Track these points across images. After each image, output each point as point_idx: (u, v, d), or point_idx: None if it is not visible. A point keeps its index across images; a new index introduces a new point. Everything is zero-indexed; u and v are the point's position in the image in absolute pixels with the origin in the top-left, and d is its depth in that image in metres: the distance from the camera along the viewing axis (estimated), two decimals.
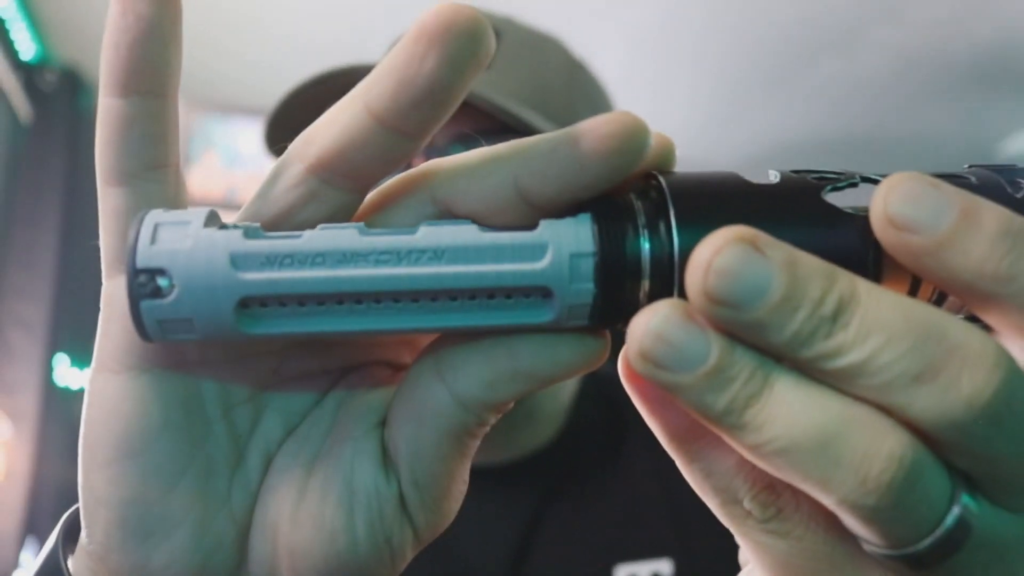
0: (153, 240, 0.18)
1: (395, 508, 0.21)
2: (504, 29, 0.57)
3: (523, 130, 0.52)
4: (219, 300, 0.17)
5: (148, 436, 0.20)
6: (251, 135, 1.94)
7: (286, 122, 0.55)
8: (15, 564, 1.48)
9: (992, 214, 0.16)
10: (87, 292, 1.80)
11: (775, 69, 1.86)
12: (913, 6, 1.62)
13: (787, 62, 1.83)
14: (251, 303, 0.18)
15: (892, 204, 0.16)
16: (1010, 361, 0.15)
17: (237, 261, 0.17)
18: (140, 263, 0.17)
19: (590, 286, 0.18)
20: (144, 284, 0.17)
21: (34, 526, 1.52)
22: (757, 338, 0.16)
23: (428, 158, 0.56)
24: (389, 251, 0.18)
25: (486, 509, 0.56)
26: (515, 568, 0.53)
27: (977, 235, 0.16)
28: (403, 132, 0.18)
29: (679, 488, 0.58)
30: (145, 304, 0.17)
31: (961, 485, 0.16)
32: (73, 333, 1.67)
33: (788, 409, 0.16)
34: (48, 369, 1.60)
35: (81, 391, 0.21)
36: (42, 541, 0.24)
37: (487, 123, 0.53)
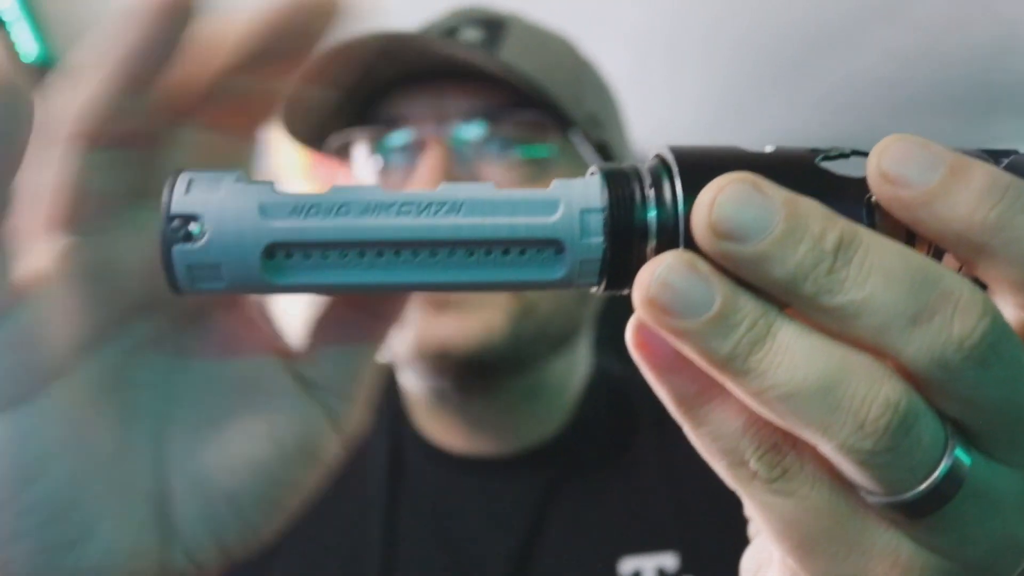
0: (187, 191, 0.19)
1: (319, 425, 0.23)
2: (512, 21, 0.57)
3: (539, 101, 0.52)
4: (247, 246, 0.18)
5: (41, 463, 0.20)
6: None
7: (303, 103, 0.55)
8: None
9: (980, 169, 0.17)
10: None
11: (778, 70, 1.86)
12: (914, 7, 1.62)
13: (790, 63, 1.83)
14: (277, 252, 0.19)
15: (886, 161, 0.17)
16: (996, 310, 0.16)
17: (266, 209, 0.18)
18: (175, 209, 0.18)
19: (600, 240, 0.19)
20: (176, 229, 0.18)
21: None
22: (760, 274, 0.17)
23: (440, 134, 0.55)
24: (410, 203, 0.19)
25: (492, 499, 0.56)
26: (521, 559, 0.53)
27: (966, 188, 0.17)
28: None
29: (685, 483, 0.59)
30: (177, 249, 0.18)
31: (955, 438, 0.17)
32: None
33: (792, 355, 0.17)
34: None
35: None
36: None
37: (501, 97, 0.53)
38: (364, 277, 0.19)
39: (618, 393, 0.63)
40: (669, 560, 0.53)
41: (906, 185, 0.17)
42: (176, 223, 0.18)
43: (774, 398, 0.17)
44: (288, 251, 0.19)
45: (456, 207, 0.19)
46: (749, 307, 0.17)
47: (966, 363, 0.16)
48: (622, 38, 1.73)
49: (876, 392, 0.16)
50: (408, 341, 0.53)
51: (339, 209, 0.18)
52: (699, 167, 0.18)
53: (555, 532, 0.55)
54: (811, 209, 0.17)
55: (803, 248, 0.17)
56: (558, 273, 0.19)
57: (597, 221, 0.19)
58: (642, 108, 1.95)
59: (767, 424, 0.18)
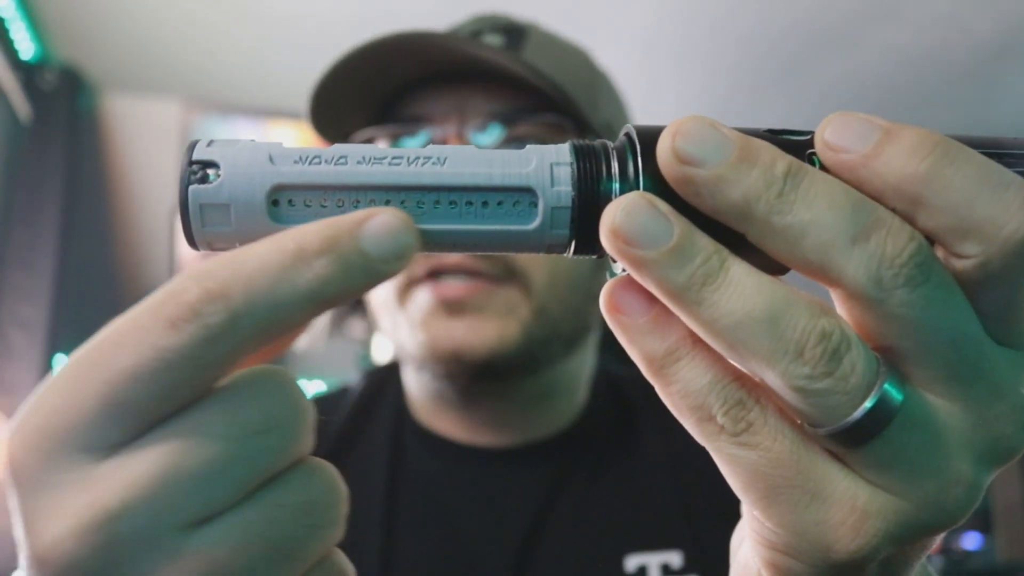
0: (208, 145, 0.21)
1: None
2: (531, 29, 0.58)
3: (559, 105, 0.53)
4: (255, 186, 0.20)
5: None
6: (251, 135, 1.93)
7: (328, 100, 0.56)
8: (16, 564, 1.48)
9: (910, 132, 0.19)
10: (87, 292, 1.80)
11: (781, 70, 1.86)
12: (914, 6, 1.62)
13: (793, 62, 1.83)
14: (281, 198, 0.21)
15: (828, 133, 0.20)
16: (922, 239, 0.19)
17: (274, 158, 0.21)
18: (195, 156, 0.21)
19: (568, 189, 0.21)
20: (195, 172, 0.20)
21: None
22: (718, 197, 0.19)
23: (462, 136, 0.56)
24: (400, 156, 0.21)
25: (497, 491, 0.57)
26: (524, 554, 0.53)
27: (898, 147, 0.19)
28: None
29: (690, 481, 0.60)
30: (192, 188, 0.20)
31: (887, 370, 0.19)
32: (73, 333, 1.67)
33: (742, 288, 0.19)
34: (48, 369, 1.60)
35: None
36: None
37: (522, 100, 0.54)
38: None
39: (622, 393, 0.64)
40: (674, 558, 0.53)
41: (847, 151, 0.19)
42: (195, 167, 0.20)
43: (724, 327, 0.19)
44: (291, 198, 0.21)
45: (441, 160, 0.21)
46: (704, 243, 0.19)
47: (897, 280, 0.18)
48: (629, 39, 1.73)
49: (814, 324, 0.18)
50: (422, 343, 0.53)
51: (338, 159, 0.21)
52: (657, 131, 0.21)
53: (559, 527, 0.55)
54: (761, 143, 0.19)
55: (756, 172, 0.19)
56: (532, 222, 0.21)
57: (566, 172, 0.21)
58: (648, 107, 1.95)
59: (732, 382, 0.20)
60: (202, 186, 0.20)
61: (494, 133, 0.53)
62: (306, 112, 0.56)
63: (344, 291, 0.19)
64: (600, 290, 0.65)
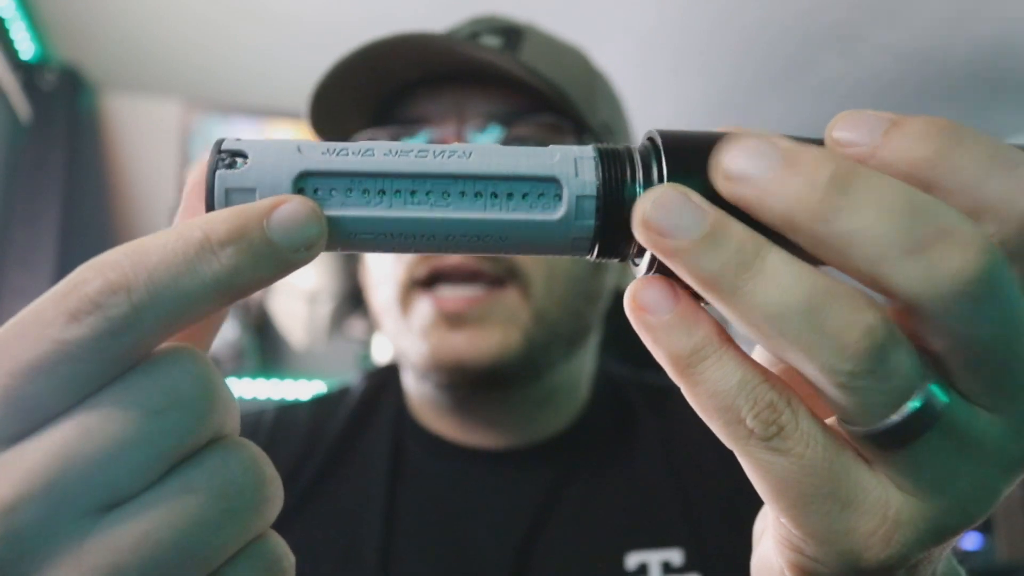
0: (238, 139, 0.21)
1: None
2: (529, 30, 0.59)
3: (556, 106, 0.53)
4: (281, 172, 0.21)
5: None
6: (251, 134, 1.93)
7: (328, 101, 0.56)
8: None
9: (917, 119, 0.19)
10: None
11: (780, 69, 1.86)
12: (914, 6, 1.62)
13: (793, 62, 1.83)
14: (307, 187, 0.21)
15: (836, 130, 0.20)
16: (997, 250, 0.17)
17: (302, 148, 0.21)
18: (225, 147, 0.21)
19: (593, 178, 0.21)
20: (223, 158, 0.21)
21: None
22: (761, 209, 0.18)
23: (461, 136, 0.56)
24: (427, 149, 0.21)
25: (497, 491, 0.57)
26: (524, 552, 0.53)
27: (905, 134, 0.19)
28: None
29: (690, 480, 0.60)
30: (219, 173, 0.21)
31: (933, 373, 0.18)
32: None
33: (779, 279, 0.18)
34: None
35: None
36: None
37: (520, 101, 0.54)
38: (382, 211, 0.21)
39: (619, 392, 0.64)
40: (675, 556, 0.53)
41: (855, 144, 0.19)
42: (224, 155, 0.21)
43: (761, 318, 0.18)
44: (317, 186, 0.21)
45: (467, 154, 0.21)
46: (738, 231, 0.18)
47: (960, 297, 0.17)
48: (627, 38, 1.73)
49: (858, 318, 0.17)
50: (424, 354, 0.53)
51: (365, 151, 0.21)
52: (679, 134, 0.21)
53: (559, 526, 0.55)
54: (810, 152, 0.18)
55: (799, 181, 0.18)
56: (558, 212, 0.21)
57: (590, 165, 0.21)
58: (646, 107, 1.95)
59: (763, 382, 0.19)
60: (229, 171, 0.21)
61: (493, 133, 0.53)
62: (306, 113, 0.57)
63: (253, 281, 0.19)
64: (599, 291, 0.65)
